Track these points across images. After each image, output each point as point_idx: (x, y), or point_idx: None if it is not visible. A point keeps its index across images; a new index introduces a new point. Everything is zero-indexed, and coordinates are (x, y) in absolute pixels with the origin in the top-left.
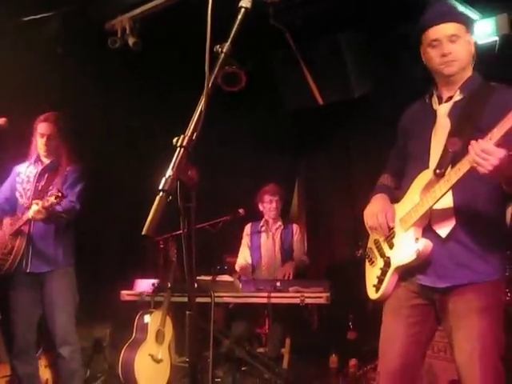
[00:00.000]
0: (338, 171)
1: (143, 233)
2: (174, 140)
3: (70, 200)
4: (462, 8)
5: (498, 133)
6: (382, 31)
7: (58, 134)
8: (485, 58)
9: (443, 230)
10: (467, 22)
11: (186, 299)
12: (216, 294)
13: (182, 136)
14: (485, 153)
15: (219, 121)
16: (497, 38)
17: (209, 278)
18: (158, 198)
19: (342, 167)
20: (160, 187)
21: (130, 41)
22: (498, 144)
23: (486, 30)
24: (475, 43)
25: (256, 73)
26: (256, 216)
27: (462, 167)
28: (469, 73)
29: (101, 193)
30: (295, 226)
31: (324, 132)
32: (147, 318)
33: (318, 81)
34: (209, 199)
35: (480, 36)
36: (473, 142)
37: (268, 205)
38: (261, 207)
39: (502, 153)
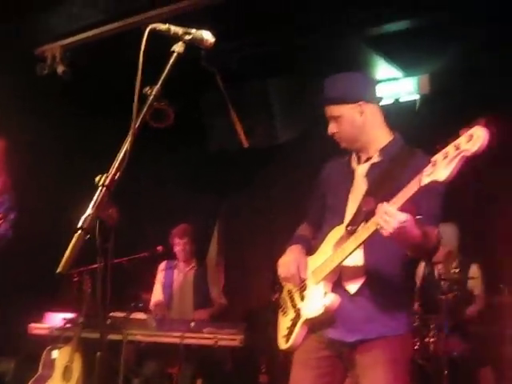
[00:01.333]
0: (259, 214)
1: (58, 270)
2: (97, 178)
3: (5, 228)
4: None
5: (401, 198)
6: (311, 79)
7: None
8: (405, 116)
9: (352, 286)
10: (352, 97)
11: (96, 335)
12: (128, 332)
13: (104, 175)
14: (387, 215)
15: (146, 159)
16: (417, 97)
17: (122, 314)
18: (75, 235)
19: (263, 210)
20: (79, 225)
21: (59, 69)
22: (402, 209)
23: (407, 88)
24: (397, 100)
25: (183, 112)
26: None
27: (371, 226)
28: (385, 136)
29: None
30: (213, 267)
31: (248, 174)
32: (55, 354)
33: (244, 124)
34: (128, 235)
35: (401, 94)
36: (379, 205)
37: (177, 247)
38: (173, 248)
39: (402, 216)
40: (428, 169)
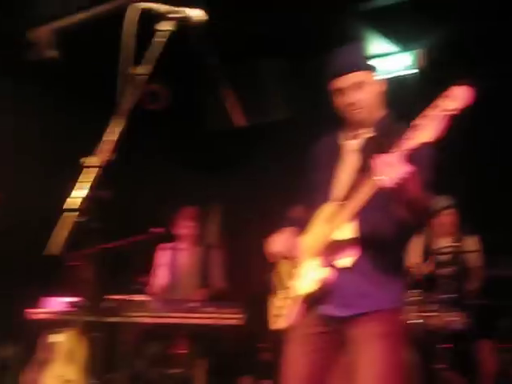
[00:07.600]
0: (256, 195)
1: (47, 252)
2: (83, 160)
3: None
4: (375, 45)
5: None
6: (304, 59)
7: None
8: (401, 90)
9: (347, 260)
10: (371, 66)
11: (97, 318)
12: (128, 314)
13: (91, 156)
14: (390, 166)
15: (137, 140)
16: (415, 71)
17: (122, 297)
18: (64, 216)
19: (259, 191)
20: (67, 206)
21: (49, 53)
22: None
23: (404, 62)
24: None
25: (176, 92)
26: (174, 237)
27: (363, 195)
28: (380, 111)
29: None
30: (214, 250)
31: (243, 154)
32: (56, 338)
33: (238, 103)
34: (125, 218)
35: (398, 68)
36: (377, 156)
37: (185, 229)
38: (178, 230)
39: (408, 167)
40: (411, 133)
